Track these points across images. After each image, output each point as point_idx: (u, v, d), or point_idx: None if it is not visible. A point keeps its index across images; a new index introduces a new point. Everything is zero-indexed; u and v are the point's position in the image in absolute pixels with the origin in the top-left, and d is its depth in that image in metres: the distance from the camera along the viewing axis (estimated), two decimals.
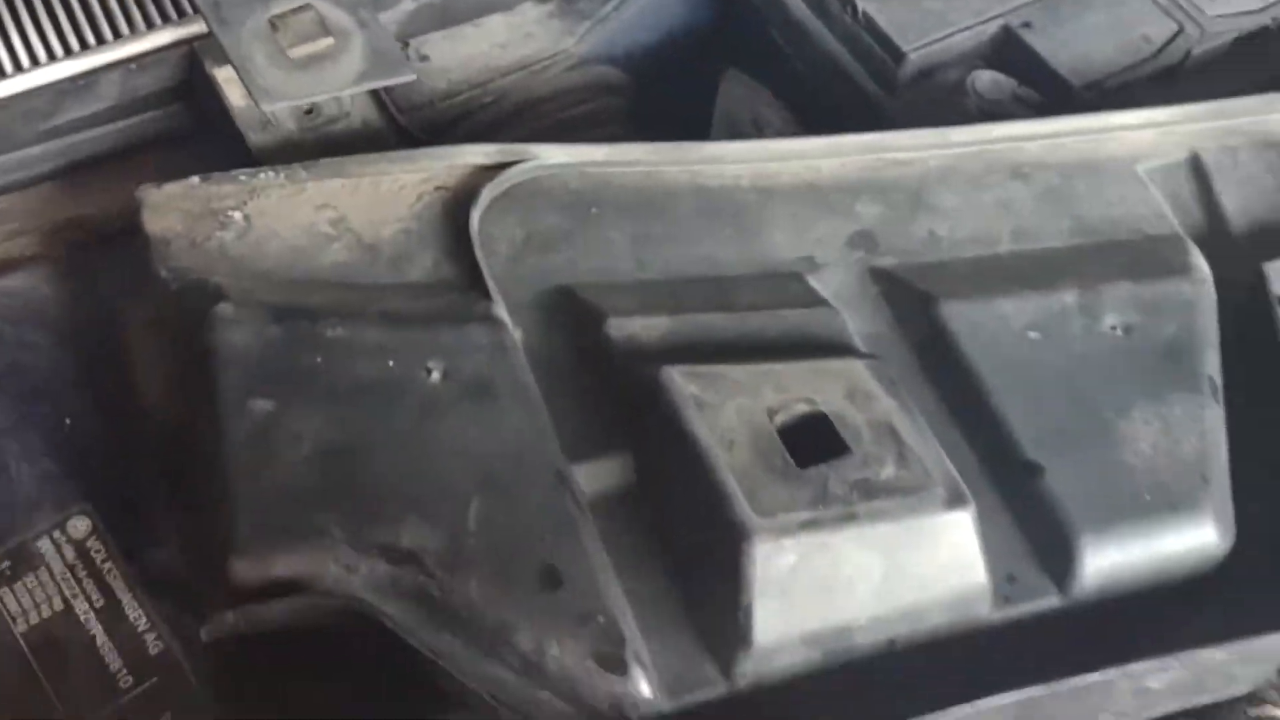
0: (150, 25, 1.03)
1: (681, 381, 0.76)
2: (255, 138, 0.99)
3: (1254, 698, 1.04)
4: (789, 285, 0.87)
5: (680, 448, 0.75)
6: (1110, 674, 0.72)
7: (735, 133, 1.17)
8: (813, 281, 0.88)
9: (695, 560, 0.74)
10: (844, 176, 0.94)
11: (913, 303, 0.87)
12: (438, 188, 0.89)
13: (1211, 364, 0.86)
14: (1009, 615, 0.77)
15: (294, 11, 0.96)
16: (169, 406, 0.84)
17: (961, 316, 0.85)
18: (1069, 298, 0.87)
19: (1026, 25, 1.12)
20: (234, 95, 0.99)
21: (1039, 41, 1.11)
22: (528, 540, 0.74)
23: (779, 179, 0.93)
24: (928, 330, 0.86)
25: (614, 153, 0.92)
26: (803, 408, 0.77)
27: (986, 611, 0.77)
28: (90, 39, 1.02)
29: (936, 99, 1.10)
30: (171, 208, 0.85)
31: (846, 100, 1.12)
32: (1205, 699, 0.80)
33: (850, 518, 0.73)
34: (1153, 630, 0.76)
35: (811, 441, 0.76)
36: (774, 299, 0.85)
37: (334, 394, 0.77)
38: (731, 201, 0.91)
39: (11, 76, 1.00)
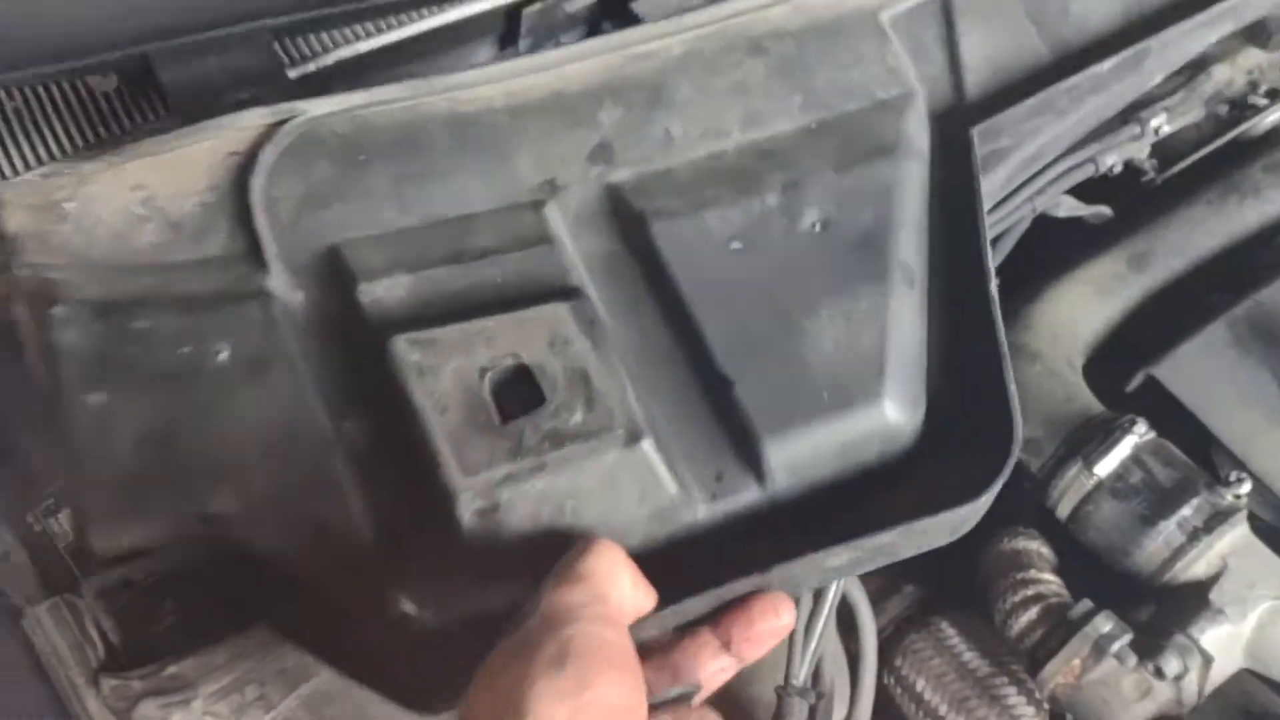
0: None
1: (405, 350, 0.86)
2: None
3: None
4: (523, 218, 0.93)
5: (406, 413, 0.85)
6: (795, 565, 0.80)
7: None
8: (552, 208, 0.93)
9: (425, 509, 0.85)
10: (590, 81, 0.96)
11: (633, 223, 0.92)
12: (229, 154, 0.96)
13: (906, 247, 0.89)
14: (720, 510, 0.86)
15: None
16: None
17: (669, 235, 0.90)
18: (772, 199, 0.91)
19: None
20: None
21: None
22: (301, 500, 0.87)
23: (530, 94, 0.96)
24: (645, 249, 0.91)
25: (374, 94, 0.97)
26: (509, 362, 0.85)
27: (695, 513, 0.86)
28: None
29: None
30: (21, 202, 0.94)
31: None
32: (879, 563, 0.86)
33: (541, 468, 0.82)
34: (845, 509, 0.84)
35: (517, 393, 0.85)
36: (505, 238, 0.92)
37: (149, 382, 0.89)
38: (485, 125, 0.96)
39: None
